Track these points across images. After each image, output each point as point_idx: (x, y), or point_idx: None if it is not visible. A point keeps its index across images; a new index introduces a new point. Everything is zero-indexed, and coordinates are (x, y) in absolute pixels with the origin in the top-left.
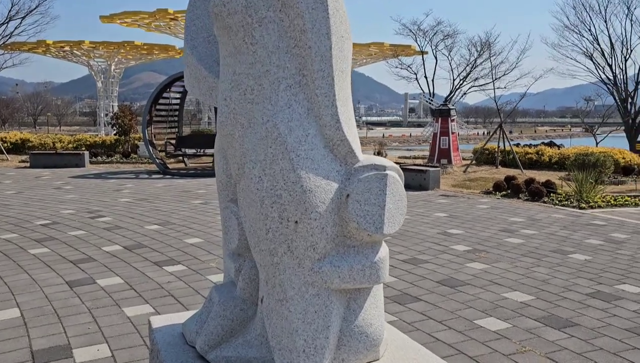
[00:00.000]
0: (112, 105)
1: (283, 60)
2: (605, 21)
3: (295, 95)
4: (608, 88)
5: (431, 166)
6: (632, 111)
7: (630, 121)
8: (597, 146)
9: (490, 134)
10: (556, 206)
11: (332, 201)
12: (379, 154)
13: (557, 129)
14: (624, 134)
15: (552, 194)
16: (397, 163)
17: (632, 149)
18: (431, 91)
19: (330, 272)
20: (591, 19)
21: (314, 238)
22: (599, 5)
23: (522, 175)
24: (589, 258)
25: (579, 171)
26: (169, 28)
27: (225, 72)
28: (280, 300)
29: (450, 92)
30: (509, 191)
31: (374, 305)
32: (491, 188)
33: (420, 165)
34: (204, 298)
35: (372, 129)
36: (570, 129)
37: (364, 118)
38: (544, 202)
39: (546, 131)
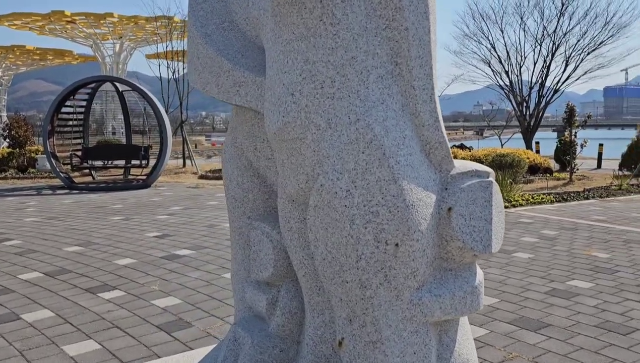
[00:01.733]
0: (1, 116)
1: (372, 45)
2: (502, 30)
3: (389, 88)
4: (505, 93)
5: None
6: (527, 114)
7: (527, 124)
8: (502, 147)
9: None
10: None
11: (432, 217)
12: None
13: (450, 132)
14: (521, 136)
15: None
16: None
17: (529, 149)
18: None
19: (431, 302)
20: (488, 28)
21: (415, 263)
22: (495, 15)
23: None
24: (531, 256)
25: (495, 172)
26: (65, 31)
27: (289, 60)
28: (372, 342)
29: None
30: None
31: (466, 337)
32: None
33: None
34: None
35: None
36: (463, 132)
37: None
38: None
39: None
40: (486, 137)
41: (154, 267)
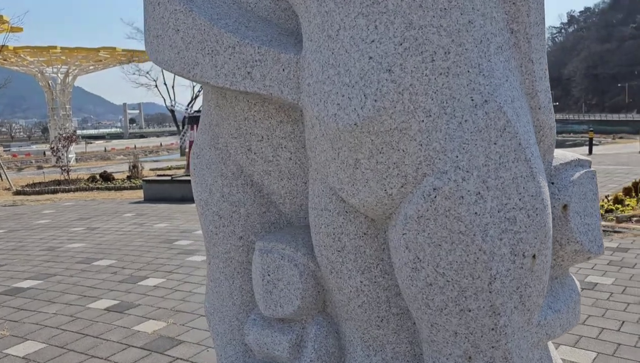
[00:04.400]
0: None
1: (489, 7)
2: None
3: (508, 62)
4: None
5: None
6: None
7: None
8: None
9: None
10: None
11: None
12: (134, 167)
13: None
14: None
15: None
16: (163, 175)
17: None
18: (172, 98)
19: (553, 320)
20: None
21: (546, 276)
22: None
23: None
24: None
25: None
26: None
27: (380, 25)
28: None
29: (192, 99)
30: None
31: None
32: None
33: None
34: None
35: (90, 143)
36: None
37: (79, 131)
38: None
39: None
40: None
41: None
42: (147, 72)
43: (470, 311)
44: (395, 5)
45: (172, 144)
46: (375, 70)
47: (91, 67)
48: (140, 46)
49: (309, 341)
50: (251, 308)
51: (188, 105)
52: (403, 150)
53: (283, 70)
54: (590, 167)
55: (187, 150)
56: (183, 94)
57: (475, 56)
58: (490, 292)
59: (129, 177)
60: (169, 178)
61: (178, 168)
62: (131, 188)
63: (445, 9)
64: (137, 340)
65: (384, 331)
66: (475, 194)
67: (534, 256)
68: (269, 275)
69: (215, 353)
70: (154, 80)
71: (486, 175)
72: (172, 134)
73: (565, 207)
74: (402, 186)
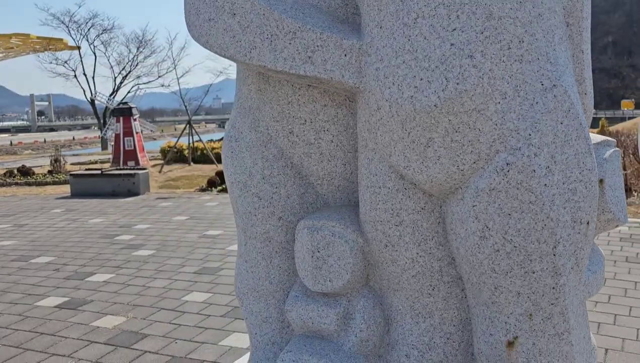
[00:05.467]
0: None
1: (553, 1)
2: None
3: (566, 52)
4: None
5: (139, 168)
6: None
7: None
8: None
9: (182, 131)
10: None
11: None
12: (56, 161)
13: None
14: None
15: None
16: (91, 169)
17: None
18: (92, 89)
19: (591, 280)
20: None
21: (592, 240)
22: None
23: (217, 168)
24: None
25: None
26: None
27: (462, 15)
28: (558, 334)
29: (114, 91)
30: (224, 186)
31: None
32: (205, 185)
33: (124, 168)
34: None
35: None
36: (205, 126)
37: None
38: None
39: (185, 128)
40: None
41: None
42: (66, 62)
43: (534, 272)
44: None
45: (85, 137)
46: (457, 56)
47: (1, 55)
48: (56, 33)
49: (357, 312)
50: (288, 287)
51: (110, 96)
52: (479, 129)
53: (345, 55)
54: (615, 146)
55: (111, 143)
56: (104, 85)
57: (544, 45)
58: (554, 254)
59: (50, 172)
60: (98, 172)
61: (103, 162)
62: (54, 183)
63: (520, 2)
64: (98, 335)
65: (434, 299)
66: (545, 168)
67: (588, 222)
68: (318, 251)
69: (247, 333)
70: (73, 70)
71: (554, 151)
72: (85, 127)
73: (601, 181)
74: (474, 162)
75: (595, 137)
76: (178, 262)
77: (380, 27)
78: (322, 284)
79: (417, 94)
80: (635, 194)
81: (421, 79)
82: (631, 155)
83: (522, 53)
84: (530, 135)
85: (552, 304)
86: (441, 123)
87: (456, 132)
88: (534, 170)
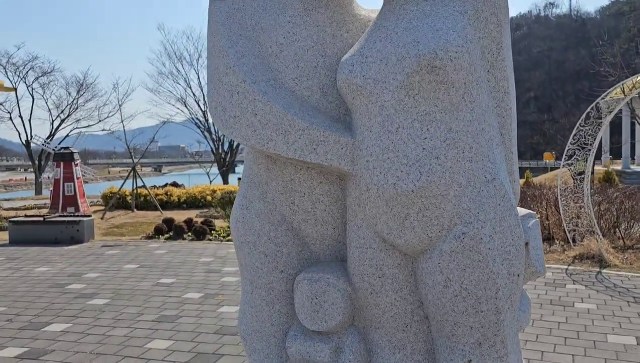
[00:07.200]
0: None
1: (492, 119)
2: (197, 72)
3: (501, 153)
4: (202, 132)
5: (84, 215)
6: (223, 152)
7: (222, 160)
8: (210, 183)
9: (126, 176)
10: (223, 242)
11: None
12: None
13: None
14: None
15: (212, 232)
16: (33, 216)
17: (225, 183)
18: (28, 132)
19: (522, 317)
20: (184, 68)
21: (521, 287)
22: (190, 57)
23: (161, 215)
24: None
25: (223, 208)
26: None
27: (431, 128)
28: (500, 357)
29: (51, 134)
30: (172, 233)
31: None
32: (152, 233)
33: (67, 215)
34: None
35: None
36: (141, 169)
37: None
38: (210, 240)
39: (119, 172)
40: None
41: None
42: (1, 103)
43: (482, 312)
44: (442, 117)
45: (10, 179)
46: (427, 156)
47: None
48: None
49: (345, 347)
50: (287, 328)
51: (46, 139)
52: (443, 208)
53: (342, 149)
54: (536, 217)
55: (50, 188)
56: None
57: (486, 150)
58: (496, 298)
59: None
60: (40, 218)
61: (39, 207)
62: None
63: (470, 120)
64: None
65: (407, 334)
66: (489, 236)
67: (518, 275)
68: (316, 298)
69: None
70: (9, 113)
71: (494, 224)
72: (10, 168)
73: (527, 244)
74: (439, 231)
75: (521, 210)
76: (135, 311)
77: (370, 131)
78: (319, 324)
79: (398, 181)
80: (557, 242)
81: (401, 171)
82: (552, 207)
83: (471, 155)
84: (478, 213)
85: (495, 335)
86: (416, 203)
87: (427, 209)
88: (481, 238)
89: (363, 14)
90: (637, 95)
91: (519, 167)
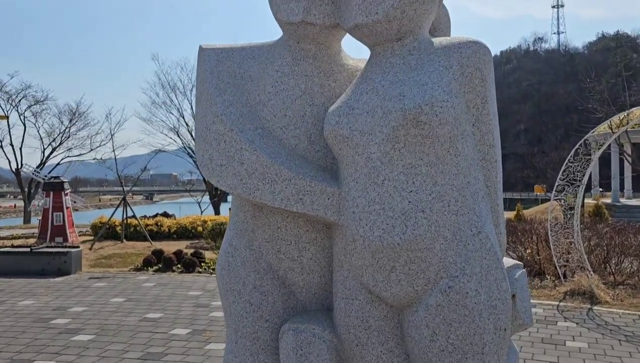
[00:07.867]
0: None
1: (477, 172)
2: (190, 102)
3: (487, 206)
4: (194, 161)
5: (72, 246)
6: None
7: (214, 190)
8: (202, 213)
9: (117, 206)
10: (213, 275)
11: None
12: None
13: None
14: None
15: (202, 264)
16: (19, 246)
17: (217, 213)
18: (19, 160)
19: None
20: (177, 98)
21: (508, 341)
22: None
23: (151, 246)
24: None
25: (213, 239)
26: None
27: (416, 182)
28: None
29: (42, 162)
30: (161, 265)
31: None
32: (140, 264)
33: (55, 246)
34: None
35: None
36: (132, 197)
37: None
38: (199, 272)
39: (110, 200)
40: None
41: None
42: None
43: None
44: (427, 170)
45: None
46: (413, 210)
47: None
48: None
49: None
50: None
51: (37, 168)
52: (429, 262)
53: (328, 199)
54: (523, 268)
55: (39, 218)
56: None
57: (471, 203)
58: (483, 353)
59: None
60: (27, 249)
61: (27, 237)
62: None
63: (455, 173)
64: None
65: None
66: (475, 290)
67: (505, 329)
68: (301, 349)
69: None
70: (0, 141)
71: (481, 278)
72: None
73: (514, 296)
74: (425, 284)
75: (508, 261)
76: (120, 348)
77: (356, 182)
78: None
79: (384, 234)
80: (548, 277)
81: (387, 224)
82: (543, 242)
83: (457, 209)
84: (464, 267)
85: None
86: (402, 256)
87: (413, 263)
88: (467, 292)
89: (351, 63)
90: (624, 132)
91: (510, 199)
